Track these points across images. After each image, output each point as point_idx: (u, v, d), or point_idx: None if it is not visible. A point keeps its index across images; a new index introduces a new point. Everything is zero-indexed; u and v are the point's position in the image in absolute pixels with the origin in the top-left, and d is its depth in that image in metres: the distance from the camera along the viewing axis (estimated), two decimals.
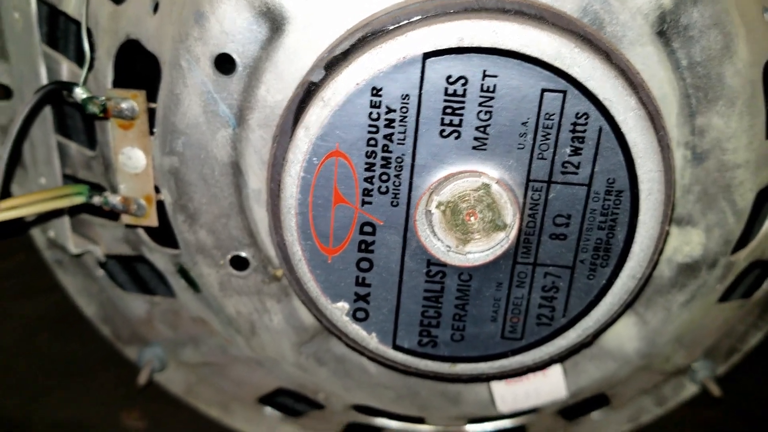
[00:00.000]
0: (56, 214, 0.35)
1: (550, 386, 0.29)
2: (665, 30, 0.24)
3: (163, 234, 0.31)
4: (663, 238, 0.23)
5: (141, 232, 0.31)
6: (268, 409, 0.40)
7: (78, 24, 0.30)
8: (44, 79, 0.31)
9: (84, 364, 0.44)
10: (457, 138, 0.21)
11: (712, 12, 0.24)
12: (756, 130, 0.26)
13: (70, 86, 0.27)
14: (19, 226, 0.37)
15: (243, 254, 0.27)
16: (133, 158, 0.27)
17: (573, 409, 0.39)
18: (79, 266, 0.39)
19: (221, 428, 0.43)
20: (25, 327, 0.45)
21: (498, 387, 0.28)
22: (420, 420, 0.32)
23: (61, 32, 0.33)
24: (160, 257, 0.30)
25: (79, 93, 0.26)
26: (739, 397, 0.42)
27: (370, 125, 0.21)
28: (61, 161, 0.33)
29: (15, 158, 0.34)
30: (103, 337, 0.41)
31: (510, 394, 0.29)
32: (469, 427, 0.34)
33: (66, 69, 0.32)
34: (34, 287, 0.43)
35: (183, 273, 0.29)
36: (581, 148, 0.22)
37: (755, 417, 0.45)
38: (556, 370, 0.28)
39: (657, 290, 0.27)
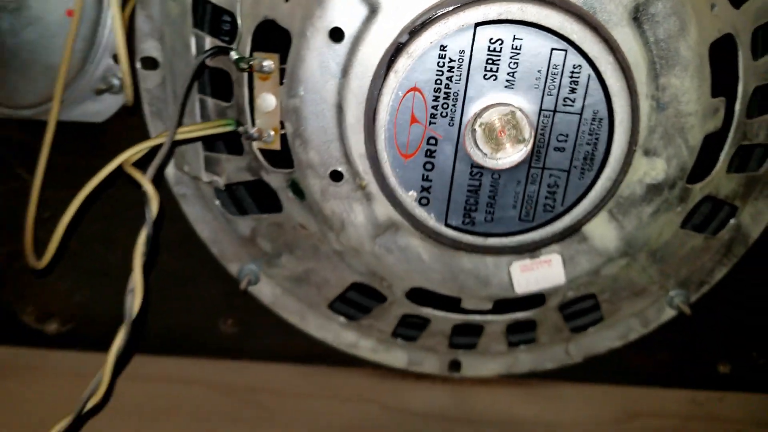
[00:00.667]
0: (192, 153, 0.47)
1: (553, 274, 0.40)
2: (638, 16, 0.35)
3: (278, 160, 0.43)
4: (630, 153, 0.34)
5: (261, 159, 0.42)
6: (335, 317, 0.52)
7: (222, 10, 0.42)
8: (194, 52, 0.44)
9: (194, 280, 0.55)
10: (494, 80, 0.33)
11: (672, 4, 0.35)
12: (703, 90, 0.37)
13: (227, 50, 0.39)
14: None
15: (339, 169, 0.39)
16: (266, 101, 0.39)
17: (571, 313, 0.50)
18: (199, 198, 0.51)
19: (299, 333, 0.54)
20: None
21: (515, 273, 0.40)
22: (458, 300, 0.43)
23: (206, 16, 0.45)
24: (274, 177, 0.42)
25: (233, 55, 0.38)
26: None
27: (437, 71, 0.33)
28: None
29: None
30: (212, 257, 0.53)
31: (524, 279, 0.40)
32: (491, 317, 0.46)
33: (209, 43, 0.44)
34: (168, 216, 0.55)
35: (294, 186, 0.41)
36: (576, 89, 0.33)
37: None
38: (557, 260, 0.39)
39: (631, 203, 0.39)
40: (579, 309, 0.49)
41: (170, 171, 0.51)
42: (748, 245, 0.48)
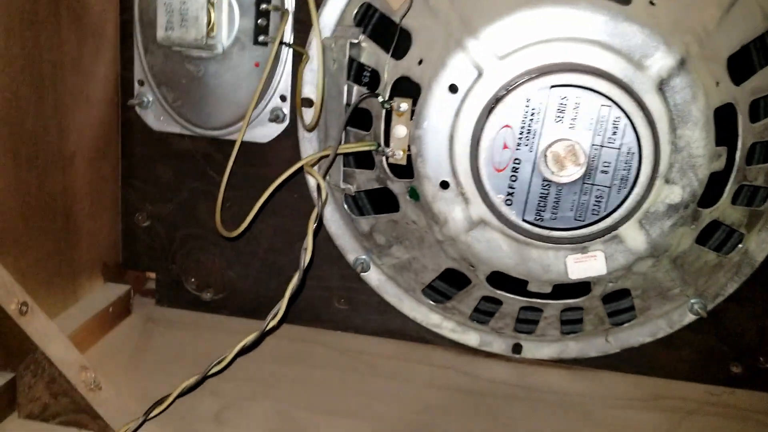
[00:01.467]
0: (335, 167, 0.65)
1: (597, 266, 0.55)
2: (662, 87, 0.52)
3: (401, 173, 0.60)
4: (653, 179, 0.50)
5: (389, 172, 0.60)
6: (426, 301, 0.68)
7: (363, 67, 0.61)
8: (345, 96, 0.62)
9: (320, 266, 0.73)
10: (561, 123, 0.50)
11: (687, 81, 0.52)
12: (709, 140, 0.53)
13: (376, 95, 0.57)
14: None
15: (447, 180, 0.56)
16: (400, 130, 0.56)
17: (611, 309, 0.64)
18: (330, 202, 0.68)
19: (396, 313, 0.71)
20: (290, 237, 0.74)
21: (570, 263, 0.56)
22: (525, 284, 0.59)
23: (352, 71, 0.63)
24: (397, 185, 0.60)
25: (380, 98, 0.56)
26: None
27: (523, 115, 0.50)
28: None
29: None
30: (335, 248, 0.70)
31: (576, 268, 0.56)
32: (550, 301, 0.61)
33: (355, 90, 0.62)
34: (305, 215, 0.72)
35: (412, 191, 0.58)
36: (616, 132, 0.50)
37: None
38: (601, 255, 0.55)
39: (656, 217, 0.54)
40: (618, 308, 0.64)
41: (311, 181, 0.68)
42: (755, 267, 0.62)
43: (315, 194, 0.66)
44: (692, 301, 0.63)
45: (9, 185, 0.55)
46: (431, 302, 0.67)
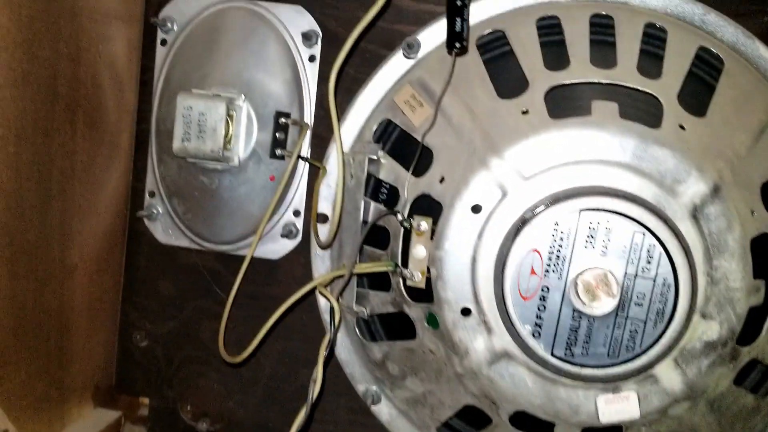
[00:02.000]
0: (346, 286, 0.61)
1: (630, 408, 0.51)
2: (696, 215, 0.49)
3: (419, 297, 0.56)
4: (690, 313, 0.47)
5: (405, 295, 0.56)
6: None
7: (381, 183, 0.59)
8: (361, 211, 0.59)
9: (325, 393, 0.68)
10: (592, 249, 0.47)
11: (721, 208, 0.49)
12: (747, 272, 0.49)
13: (395, 213, 0.54)
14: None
15: (469, 306, 0.52)
16: (419, 251, 0.53)
17: None
18: (341, 326, 0.65)
19: None
20: (295, 363, 0.69)
21: (601, 404, 0.51)
22: (552, 426, 0.54)
23: (369, 187, 0.61)
24: (415, 310, 0.56)
25: (399, 217, 0.54)
26: None
27: (552, 240, 0.47)
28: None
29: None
30: (345, 376, 0.66)
31: (607, 410, 0.51)
32: None
33: (372, 207, 0.60)
34: (314, 339, 0.68)
35: (431, 317, 0.54)
36: (651, 261, 0.46)
37: None
38: (634, 396, 0.50)
39: (692, 355, 0.50)
40: None
41: (323, 302, 0.65)
42: None
43: (327, 317, 0.63)
44: None
45: (3, 300, 0.52)
46: None
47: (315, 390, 0.48)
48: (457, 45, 0.51)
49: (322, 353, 0.49)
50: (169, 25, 0.66)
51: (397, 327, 0.60)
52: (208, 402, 0.69)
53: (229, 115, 0.61)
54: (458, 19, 0.50)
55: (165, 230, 0.68)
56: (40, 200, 0.55)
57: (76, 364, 0.63)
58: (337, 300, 0.51)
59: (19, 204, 0.52)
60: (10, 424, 0.49)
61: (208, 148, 0.61)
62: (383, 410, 0.64)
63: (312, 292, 0.59)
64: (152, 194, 0.68)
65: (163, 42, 0.67)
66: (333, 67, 0.53)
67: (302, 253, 0.66)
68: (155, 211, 0.67)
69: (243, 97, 0.63)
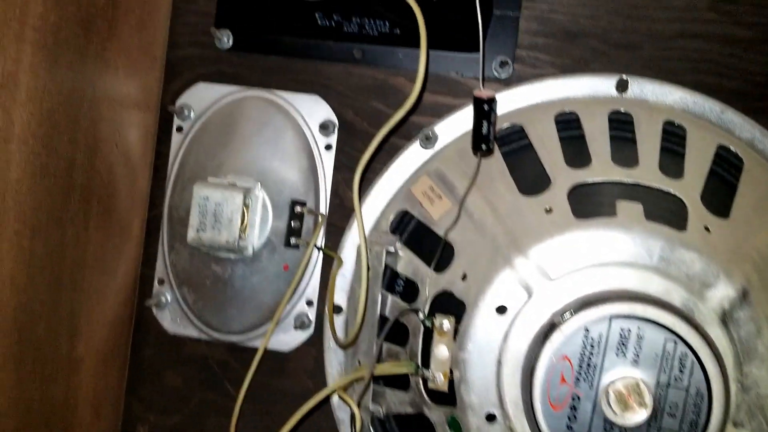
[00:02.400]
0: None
1: None
2: (725, 320, 0.48)
3: (439, 399, 0.55)
4: (724, 424, 0.45)
5: (426, 397, 0.55)
6: None
7: (399, 276, 0.58)
8: (379, 306, 0.58)
9: None
10: (624, 357, 0.46)
11: (750, 314, 0.48)
12: None
13: (416, 311, 0.53)
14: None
15: (494, 412, 0.51)
16: (442, 351, 0.52)
17: None
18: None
19: None
20: None
21: None
22: None
23: (385, 280, 0.60)
24: (435, 412, 0.54)
25: (421, 315, 0.53)
26: None
27: (582, 346, 0.46)
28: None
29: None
30: None
31: None
32: None
33: (390, 300, 0.59)
34: None
35: (453, 422, 0.53)
36: (683, 370, 0.45)
37: None
38: None
39: None
40: None
41: (335, 398, 0.63)
42: None
43: (339, 415, 0.61)
44: None
45: (9, 400, 0.50)
46: None
47: None
48: (483, 147, 0.51)
49: None
50: (185, 112, 0.66)
51: (415, 428, 0.58)
52: None
53: (245, 204, 0.61)
54: (485, 123, 0.50)
55: (173, 319, 0.66)
56: (50, 293, 0.53)
57: None
58: (359, 405, 0.49)
59: (31, 299, 0.51)
60: None
61: (223, 239, 0.60)
62: None
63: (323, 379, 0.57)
64: (161, 282, 0.66)
65: (179, 129, 0.66)
66: (359, 164, 0.53)
67: (314, 345, 0.65)
68: (164, 300, 0.66)
69: (259, 185, 0.62)
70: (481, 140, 0.51)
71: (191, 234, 0.60)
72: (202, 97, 0.66)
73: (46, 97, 0.50)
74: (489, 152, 0.52)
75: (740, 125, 0.58)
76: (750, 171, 0.56)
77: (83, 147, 0.55)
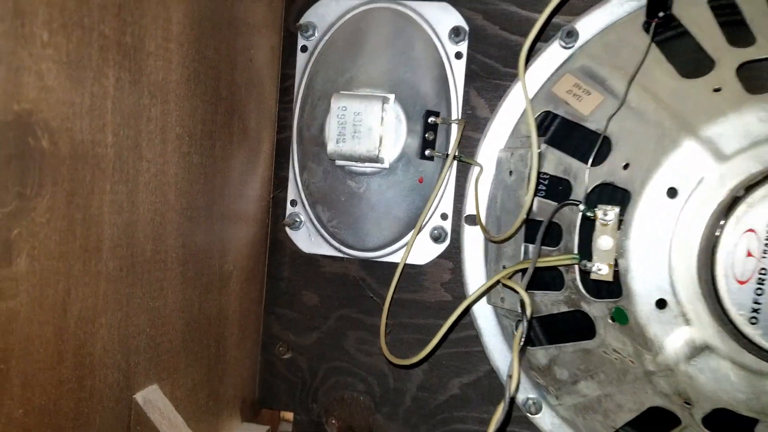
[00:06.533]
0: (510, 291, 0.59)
1: None
2: None
3: (599, 292, 0.53)
4: None
5: (583, 291, 0.53)
6: None
7: (542, 176, 0.56)
8: (526, 208, 0.57)
9: (479, 404, 0.64)
10: None
11: None
12: None
13: (577, 203, 0.52)
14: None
15: (665, 298, 0.49)
16: (606, 242, 0.50)
17: None
18: (496, 332, 0.62)
19: None
20: (445, 375, 0.66)
21: None
22: (753, 423, 0.50)
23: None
24: (596, 307, 0.53)
25: (581, 207, 0.51)
26: None
27: None
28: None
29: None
30: (501, 384, 0.63)
31: None
32: None
33: (536, 202, 0.57)
34: (463, 352, 0.65)
35: (618, 312, 0.51)
36: None
37: None
38: None
39: None
40: None
41: (476, 308, 0.62)
42: None
43: (487, 332, 0.60)
44: None
45: (175, 304, 0.51)
46: None
47: (512, 386, 0.45)
48: (660, 14, 0.49)
49: (516, 347, 0.46)
50: (310, 31, 0.65)
51: (558, 329, 0.57)
52: (354, 415, 0.67)
53: (381, 116, 0.60)
54: None
55: (308, 238, 0.66)
56: (206, 203, 0.54)
57: (229, 375, 0.61)
58: (525, 290, 0.48)
59: (191, 205, 0.51)
60: (188, 429, 0.47)
61: (363, 149, 0.59)
62: (545, 419, 0.61)
63: (457, 296, 0.57)
64: (294, 203, 0.66)
65: (304, 48, 0.66)
66: (520, 57, 0.52)
67: (450, 257, 0.64)
68: (298, 220, 0.66)
69: (393, 96, 0.61)
70: (658, 5, 0.48)
71: (331, 146, 0.60)
72: (326, 14, 0.65)
73: (194, 5, 0.50)
74: (667, 20, 0.50)
75: None
76: None
77: (226, 59, 0.55)
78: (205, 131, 0.52)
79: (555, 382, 0.59)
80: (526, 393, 0.61)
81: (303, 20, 0.65)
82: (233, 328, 0.61)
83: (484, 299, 0.61)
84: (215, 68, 0.53)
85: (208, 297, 0.55)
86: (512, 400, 0.46)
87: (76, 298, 0.39)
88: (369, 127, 0.59)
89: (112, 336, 0.42)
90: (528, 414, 0.61)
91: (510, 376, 0.46)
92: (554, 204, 0.54)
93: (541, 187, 0.58)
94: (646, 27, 0.55)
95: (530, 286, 0.57)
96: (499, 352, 0.62)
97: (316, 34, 0.65)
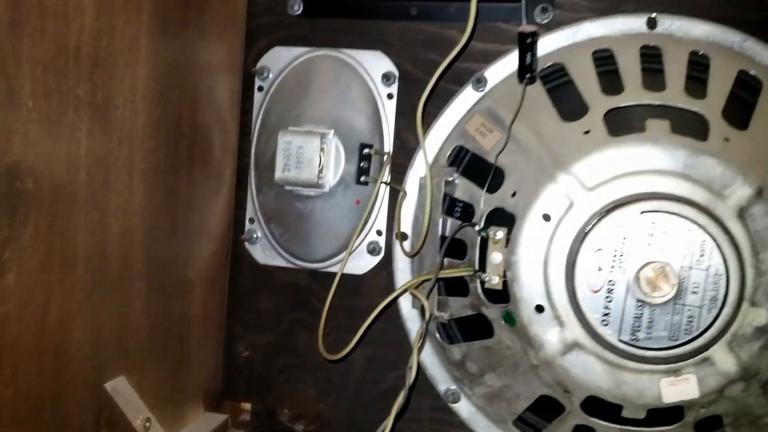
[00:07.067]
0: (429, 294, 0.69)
1: (690, 389, 0.57)
2: (742, 215, 0.56)
3: (495, 298, 0.64)
4: (740, 300, 0.53)
5: (483, 297, 0.64)
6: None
7: (457, 202, 0.67)
8: (440, 227, 0.68)
9: (413, 394, 0.75)
10: (652, 246, 0.54)
11: (765, 209, 0.56)
12: None
13: (473, 225, 0.62)
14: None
15: (542, 303, 0.60)
16: (496, 257, 0.61)
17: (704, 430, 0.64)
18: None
19: None
20: (382, 368, 0.77)
21: (663, 386, 0.57)
22: (619, 409, 0.60)
23: (445, 206, 0.69)
24: (492, 310, 0.63)
25: (477, 228, 0.62)
26: None
27: (616, 239, 0.55)
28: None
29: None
30: (427, 378, 0.73)
31: (669, 392, 0.57)
32: (645, 429, 0.62)
33: (449, 222, 0.68)
34: (397, 346, 0.76)
35: (507, 316, 0.62)
36: (704, 255, 0.53)
37: None
38: (693, 378, 0.57)
39: (744, 339, 0.56)
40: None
41: (404, 310, 0.73)
42: None
43: (409, 326, 0.71)
44: None
45: (141, 309, 0.61)
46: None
47: (411, 376, 0.55)
48: (528, 76, 0.59)
49: (416, 343, 0.57)
50: (265, 73, 0.76)
51: (472, 329, 0.67)
52: (304, 405, 0.77)
53: (322, 149, 0.71)
54: (528, 54, 0.58)
55: (264, 252, 0.77)
56: (169, 223, 0.64)
57: (192, 371, 0.72)
58: (427, 297, 0.59)
59: (154, 225, 0.62)
60: (150, 413, 0.58)
61: (305, 176, 0.70)
62: (463, 408, 0.71)
63: (394, 302, 0.67)
64: (252, 221, 0.77)
65: (260, 88, 0.77)
66: (420, 101, 0.62)
67: (385, 268, 0.74)
68: (255, 236, 0.77)
69: (333, 132, 0.72)
70: (526, 70, 0.59)
71: (278, 174, 0.71)
72: (279, 59, 0.76)
73: (159, 60, 0.61)
74: (532, 80, 0.60)
75: (760, 52, 0.65)
76: None
77: (188, 103, 0.66)
78: (168, 164, 0.63)
79: (468, 375, 0.69)
80: (446, 384, 0.72)
81: (259, 64, 0.76)
82: (196, 329, 0.71)
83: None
84: (177, 111, 0.64)
85: (172, 303, 0.66)
86: (412, 387, 0.56)
87: (55, 305, 0.49)
88: (309, 159, 0.70)
89: (85, 336, 0.53)
90: (449, 403, 0.71)
91: (410, 367, 0.56)
92: (466, 224, 0.65)
93: (456, 208, 0.68)
94: (541, 77, 0.65)
95: (448, 293, 0.68)
96: (425, 350, 0.73)
97: (270, 76, 0.76)
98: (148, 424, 0.57)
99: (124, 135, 0.56)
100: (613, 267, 0.55)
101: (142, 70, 0.58)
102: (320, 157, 0.70)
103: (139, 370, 0.61)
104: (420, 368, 0.73)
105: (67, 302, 0.50)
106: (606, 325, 0.55)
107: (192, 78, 0.66)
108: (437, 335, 0.70)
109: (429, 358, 0.72)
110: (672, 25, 0.67)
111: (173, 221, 0.65)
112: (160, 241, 0.63)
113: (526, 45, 0.58)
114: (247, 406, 0.79)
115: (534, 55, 0.58)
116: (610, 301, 0.55)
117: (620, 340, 0.55)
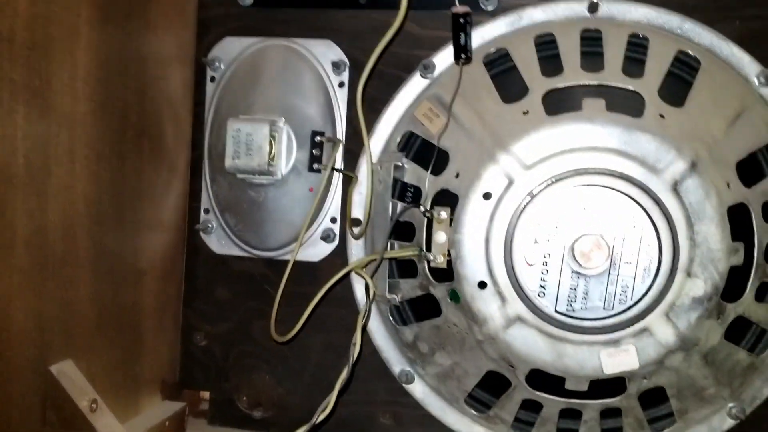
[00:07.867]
0: (380, 279, 0.70)
1: (630, 360, 0.58)
2: (677, 188, 0.57)
3: (441, 277, 0.65)
4: (674, 270, 0.54)
5: (430, 277, 0.65)
6: (468, 411, 0.70)
7: (408, 186, 0.68)
8: (390, 211, 0.68)
9: (364, 379, 0.75)
10: (587, 218, 0.55)
11: (699, 182, 0.57)
12: (725, 235, 0.57)
13: (418, 206, 0.63)
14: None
15: (484, 279, 0.61)
16: (440, 237, 0.62)
17: (650, 411, 0.65)
18: (376, 315, 0.73)
19: (440, 425, 0.72)
20: (338, 353, 0.77)
21: (604, 358, 0.58)
22: (562, 381, 0.61)
23: (396, 191, 0.70)
24: (439, 289, 0.64)
25: (422, 209, 0.62)
26: None
27: (552, 214, 0.56)
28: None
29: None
30: (380, 360, 0.74)
31: (610, 363, 0.58)
32: (588, 401, 0.63)
33: (399, 206, 0.69)
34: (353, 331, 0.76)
35: (453, 293, 0.63)
36: (636, 226, 0.55)
37: None
38: (632, 349, 0.58)
39: (682, 310, 0.57)
40: (657, 414, 0.65)
41: (359, 294, 0.73)
42: None
43: (363, 295, 0.72)
44: (730, 405, 0.64)
45: (87, 295, 0.61)
46: (474, 413, 0.69)
47: (355, 352, 0.56)
48: (463, 56, 0.60)
49: (360, 321, 0.57)
50: (216, 64, 0.77)
51: (423, 309, 0.68)
52: (261, 392, 0.77)
53: (272, 136, 0.71)
54: (462, 35, 0.59)
55: (219, 242, 0.77)
56: (116, 211, 0.65)
57: (147, 360, 0.72)
58: (372, 278, 0.60)
59: (100, 212, 0.62)
60: (98, 396, 0.58)
61: (255, 163, 0.71)
62: (417, 388, 0.72)
63: (350, 289, 0.68)
64: (207, 211, 0.78)
65: (212, 79, 0.77)
66: (358, 86, 0.63)
67: (340, 255, 0.75)
68: (210, 226, 0.77)
69: (283, 120, 0.73)
70: (460, 50, 0.60)
71: (228, 162, 0.71)
72: (230, 50, 0.77)
73: (102, 47, 0.61)
74: (468, 60, 0.61)
75: (699, 33, 0.67)
76: (707, 70, 0.64)
77: (134, 92, 0.67)
78: (114, 152, 0.64)
79: (420, 356, 0.70)
80: (401, 366, 0.72)
81: (210, 55, 0.77)
82: (150, 318, 0.72)
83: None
84: (123, 100, 0.65)
85: (122, 291, 0.66)
86: (355, 364, 0.57)
87: None
88: (259, 146, 0.70)
89: (27, 318, 0.53)
90: (403, 384, 0.72)
91: (354, 344, 0.57)
92: (411, 206, 0.65)
93: (408, 194, 0.69)
94: (485, 62, 0.66)
95: (400, 275, 0.69)
96: (379, 333, 0.73)
97: (222, 67, 0.77)
98: (94, 405, 0.57)
99: (64, 120, 0.56)
100: (548, 240, 0.56)
101: (84, 57, 0.59)
102: (270, 143, 0.71)
103: (87, 355, 0.61)
104: (375, 352, 0.74)
105: (4, 283, 0.51)
106: (543, 296, 0.56)
107: (138, 67, 0.66)
108: (390, 318, 0.70)
109: (383, 341, 0.73)
110: (612, 8, 0.68)
111: (121, 210, 0.65)
112: (108, 229, 0.63)
113: (460, 25, 0.59)
114: (206, 394, 0.80)
115: (468, 35, 0.59)
116: (546, 274, 0.56)
117: (557, 311, 0.56)
